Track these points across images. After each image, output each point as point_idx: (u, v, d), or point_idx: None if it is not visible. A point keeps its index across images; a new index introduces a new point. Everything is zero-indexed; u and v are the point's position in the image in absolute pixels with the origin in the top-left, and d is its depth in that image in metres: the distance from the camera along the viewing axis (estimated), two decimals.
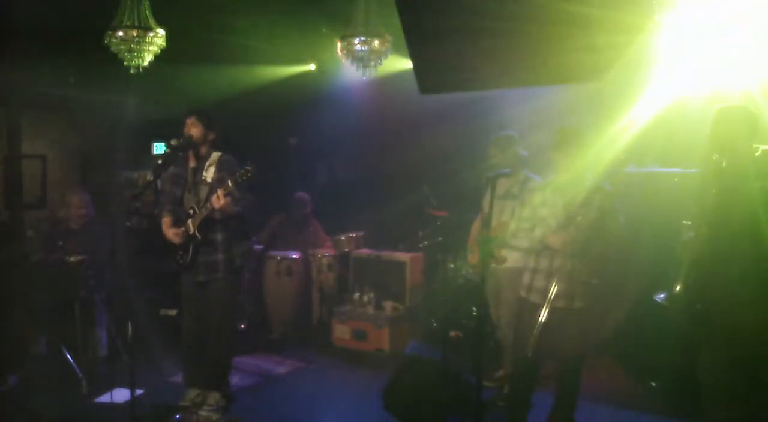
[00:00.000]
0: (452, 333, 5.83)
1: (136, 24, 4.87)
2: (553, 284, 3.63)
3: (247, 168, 4.00)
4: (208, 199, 4.15)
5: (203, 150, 4.38)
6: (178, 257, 4.35)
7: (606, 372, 5.26)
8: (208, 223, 4.24)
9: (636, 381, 5.04)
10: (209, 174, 4.32)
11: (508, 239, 3.96)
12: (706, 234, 3.25)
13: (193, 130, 4.30)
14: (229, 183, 4.01)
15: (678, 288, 3.30)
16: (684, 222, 3.50)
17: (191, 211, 4.28)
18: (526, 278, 3.84)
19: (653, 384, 3.61)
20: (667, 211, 4.95)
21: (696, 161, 5.18)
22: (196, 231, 4.24)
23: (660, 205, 5.09)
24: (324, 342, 6.03)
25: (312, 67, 7.36)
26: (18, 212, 5.96)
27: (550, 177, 3.90)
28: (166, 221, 4.43)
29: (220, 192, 4.04)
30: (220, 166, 4.31)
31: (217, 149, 4.42)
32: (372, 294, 5.94)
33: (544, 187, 3.85)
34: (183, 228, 4.31)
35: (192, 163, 4.40)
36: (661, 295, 3.42)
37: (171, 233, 4.35)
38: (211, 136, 4.37)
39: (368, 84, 6.64)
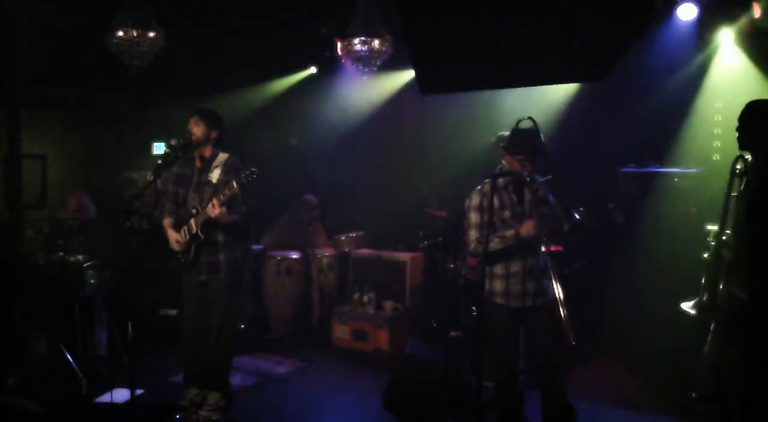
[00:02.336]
0: (452, 333, 5.83)
1: (137, 24, 4.88)
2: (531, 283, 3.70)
3: (252, 169, 3.99)
4: (211, 200, 4.14)
5: (208, 150, 4.37)
6: (180, 256, 4.35)
7: (606, 372, 5.26)
8: (210, 224, 4.23)
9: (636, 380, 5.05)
10: (214, 175, 4.31)
11: (475, 248, 3.87)
12: (736, 239, 3.12)
13: (196, 128, 4.28)
14: (234, 185, 4.00)
15: (705, 297, 3.29)
16: (708, 227, 3.46)
17: (194, 211, 4.27)
18: (498, 285, 3.82)
19: (693, 395, 3.61)
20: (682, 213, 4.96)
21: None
22: (199, 231, 4.23)
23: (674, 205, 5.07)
24: (324, 342, 6.03)
25: (313, 69, 7.37)
26: (18, 212, 5.95)
27: (499, 179, 3.84)
28: (167, 222, 4.42)
29: (215, 201, 4.04)
30: (226, 168, 4.30)
31: (223, 150, 4.42)
32: (372, 294, 5.94)
33: (499, 190, 3.82)
34: (184, 230, 4.30)
35: (198, 163, 4.40)
36: (688, 304, 3.42)
37: (172, 239, 4.34)
38: (215, 135, 4.36)
39: (368, 84, 6.67)
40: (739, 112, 3.24)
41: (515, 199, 3.83)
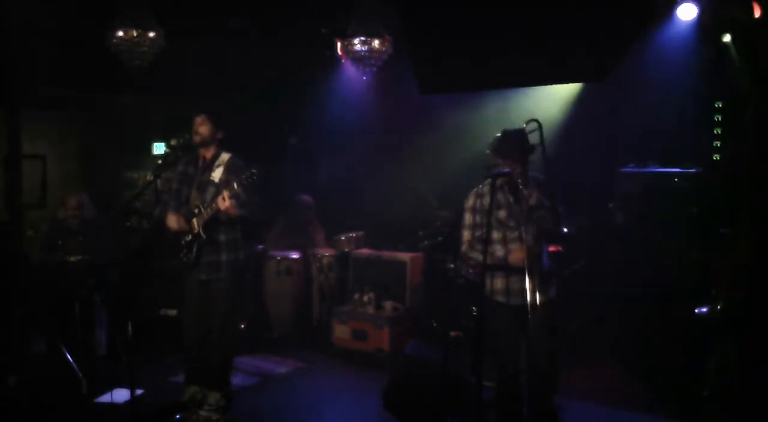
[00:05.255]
0: (452, 333, 5.83)
1: (137, 24, 4.89)
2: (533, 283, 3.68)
3: (253, 171, 3.99)
4: (214, 199, 4.14)
5: (212, 149, 4.37)
6: (182, 255, 4.34)
7: (606, 372, 5.26)
8: (212, 223, 4.23)
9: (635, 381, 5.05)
10: (217, 174, 4.30)
11: (465, 250, 3.90)
12: (753, 244, 3.06)
13: (202, 128, 4.28)
14: (235, 185, 4.00)
15: (720, 305, 3.26)
16: (722, 230, 3.43)
17: (196, 211, 4.27)
18: (499, 283, 3.82)
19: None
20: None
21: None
22: (200, 231, 4.23)
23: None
24: (324, 342, 6.03)
25: (313, 70, 7.35)
26: (18, 212, 5.95)
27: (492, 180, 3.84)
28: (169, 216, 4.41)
29: (225, 193, 4.04)
30: (229, 168, 4.29)
31: (227, 150, 4.42)
32: (372, 294, 5.94)
33: (496, 190, 3.82)
34: (184, 216, 4.29)
35: (200, 161, 4.40)
36: (703, 309, 3.40)
37: (172, 220, 4.31)
38: (220, 135, 4.36)
39: (368, 84, 6.66)
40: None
41: (512, 199, 3.82)
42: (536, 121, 3.83)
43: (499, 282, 3.82)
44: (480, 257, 3.72)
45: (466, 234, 3.88)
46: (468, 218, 3.89)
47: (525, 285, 3.75)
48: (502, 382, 3.89)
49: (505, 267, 3.76)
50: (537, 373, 3.79)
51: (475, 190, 3.92)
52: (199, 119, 4.30)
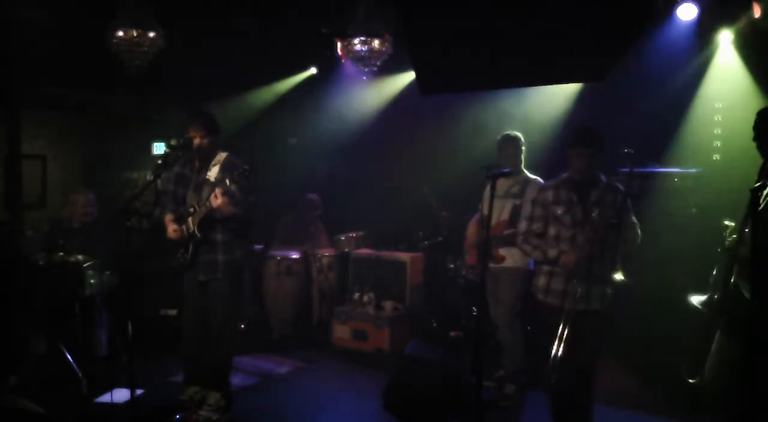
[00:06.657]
0: (452, 333, 5.84)
1: (137, 24, 4.89)
2: (577, 287, 3.65)
3: (245, 167, 4.00)
4: (209, 198, 4.14)
5: (209, 150, 4.37)
6: (179, 255, 4.35)
7: (606, 372, 5.25)
8: (208, 223, 4.23)
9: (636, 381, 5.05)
10: (213, 173, 4.31)
11: (518, 240, 3.93)
12: (750, 239, 3.08)
13: (197, 139, 4.27)
14: (227, 182, 4.00)
15: (717, 296, 3.27)
16: (725, 222, 3.43)
17: (192, 210, 4.27)
18: (542, 280, 3.81)
19: (691, 380, 3.58)
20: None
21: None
22: (196, 230, 4.23)
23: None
24: (324, 342, 6.03)
25: (313, 70, 7.37)
26: (18, 212, 5.96)
27: (563, 175, 3.83)
28: (168, 218, 4.42)
29: (218, 190, 4.04)
30: (224, 166, 4.30)
31: (223, 149, 4.41)
32: (372, 294, 5.94)
33: (558, 185, 3.81)
34: (183, 226, 4.30)
35: (197, 163, 4.40)
36: (700, 299, 3.39)
37: (170, 229, 4.34)
38: (214, 138, 4.36)
39: (369, 84, 6.67)
40: (734, 114, 3.21)
41: (575, 198, 3.73)
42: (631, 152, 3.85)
43: (541, 280, 3.82)
44: (532, 252, 3.82)
45: (524, 225, 3.90)
46: (527, 209, 3.90)
47: (570, 287, 3.68)
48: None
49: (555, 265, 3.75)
50: (575, 386, 3.78)
51: (541, 184, 4.03)
52: (190, 131, 4.29)
